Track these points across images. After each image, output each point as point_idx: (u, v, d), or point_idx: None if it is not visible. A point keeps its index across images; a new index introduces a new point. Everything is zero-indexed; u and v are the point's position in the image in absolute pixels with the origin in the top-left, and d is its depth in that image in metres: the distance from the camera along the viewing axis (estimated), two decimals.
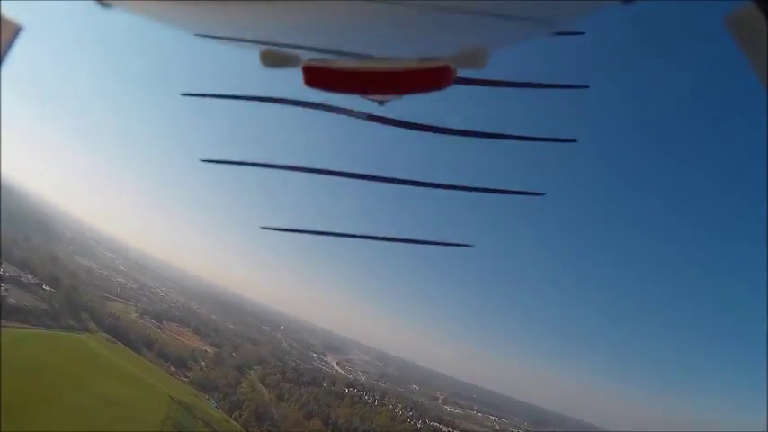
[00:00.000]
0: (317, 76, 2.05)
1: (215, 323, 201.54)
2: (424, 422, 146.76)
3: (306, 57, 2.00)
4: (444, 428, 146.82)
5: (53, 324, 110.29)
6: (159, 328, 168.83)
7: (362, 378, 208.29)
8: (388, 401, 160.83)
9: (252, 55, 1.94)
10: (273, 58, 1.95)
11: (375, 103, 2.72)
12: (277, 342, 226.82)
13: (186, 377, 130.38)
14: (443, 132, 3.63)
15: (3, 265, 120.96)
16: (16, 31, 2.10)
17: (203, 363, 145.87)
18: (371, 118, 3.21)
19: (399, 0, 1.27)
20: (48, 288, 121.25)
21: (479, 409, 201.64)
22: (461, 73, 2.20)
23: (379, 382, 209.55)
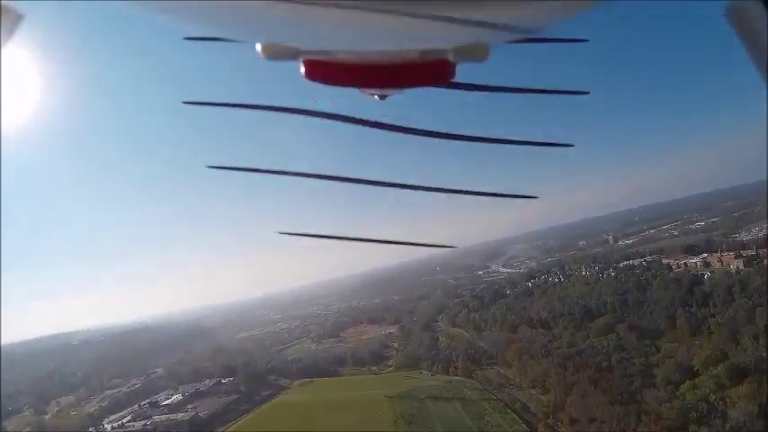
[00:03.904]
0: (318, 70, 2.07)
1: (382, 305, 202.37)
2: (614, 267, 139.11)
3: (306, 49, 2.03)
4: (635, 261, 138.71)
5: (249, 406, 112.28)
6: (340, 341, 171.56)
7: (534, 265, 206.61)
8: (571, 270, 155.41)
9: (252, 49, 1.96)
10: (274, 51, 1.95)
11: (376, 96, 2.61)
12: (442, 284, 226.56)
13: (390, 366, 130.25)
14: (452, 138, 3.18)
15: (179, 389, 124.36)
16: (17, 18, 1.97)
17: (395, 344, 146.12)
18: (373, 124, 2.82)
19: None
20: (226, 380, 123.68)
21: (649, 227, 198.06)
22: (460, 78, 2.25)
23: (549, 259, 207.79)
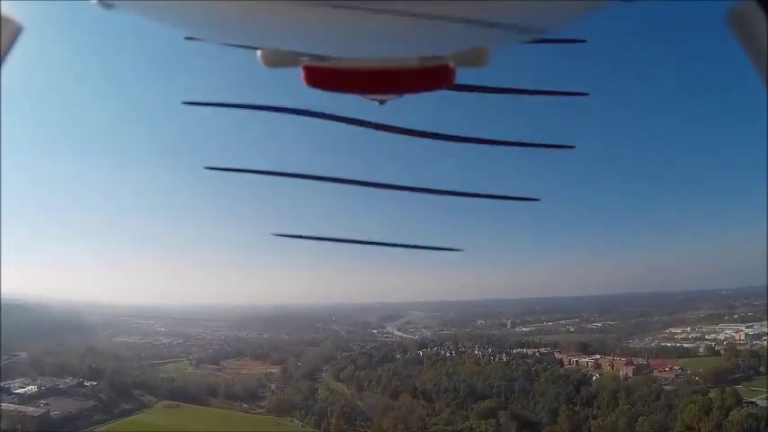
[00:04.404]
0: (318, 76, 2.09)
1: (270, 342, 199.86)
2: (507, 352, 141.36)
3: (306, 56, 2.04)
4: (529, 351, 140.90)
5: (106, 417, 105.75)
6: (219, 370, 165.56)
7: (428, 334, 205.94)
8: (464, 347, 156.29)
9: (252, 54, 1.97)
10: (273, 58, 1.97)
11: (375, 102, 2.72)
12: (335, 334, 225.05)
13: (262, 408, 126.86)
14: (444, 139, 3.51)
15: (37, 380, 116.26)
16: (17, 30, 2.01)
17: (273, 386, 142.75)
18: (372, 125, 3.19)
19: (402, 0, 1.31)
20: (89, 383, 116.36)
21: (548, 319, 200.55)
22: (460, 79, 2.32)
23: (445, 331, 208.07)
